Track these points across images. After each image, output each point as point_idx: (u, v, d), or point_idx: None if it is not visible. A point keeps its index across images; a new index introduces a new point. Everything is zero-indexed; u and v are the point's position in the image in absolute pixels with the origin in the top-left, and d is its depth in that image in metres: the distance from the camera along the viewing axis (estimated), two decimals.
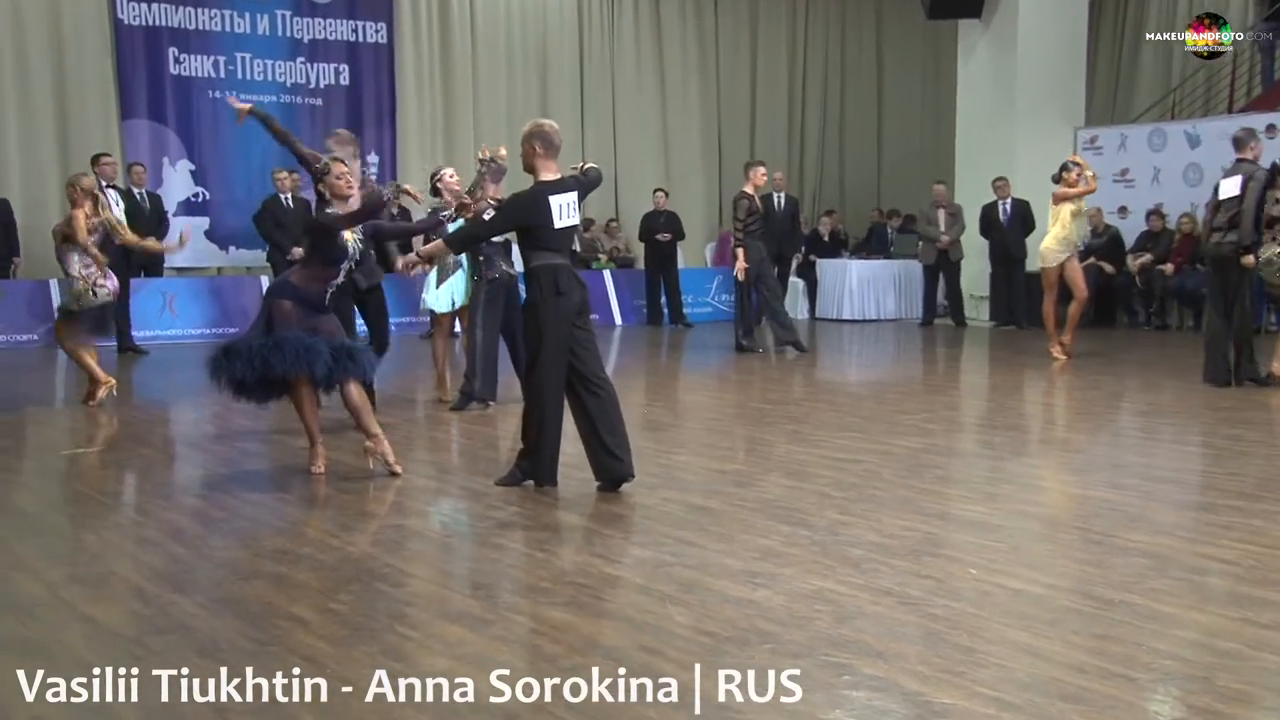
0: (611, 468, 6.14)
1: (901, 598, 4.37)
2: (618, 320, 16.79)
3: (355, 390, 6.54)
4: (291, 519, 5.80)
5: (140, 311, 13.55)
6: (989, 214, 16.05)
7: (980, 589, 4.48)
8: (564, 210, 6.09)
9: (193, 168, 15.37)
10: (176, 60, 15.21)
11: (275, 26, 15.80)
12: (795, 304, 17.69)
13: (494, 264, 8.74)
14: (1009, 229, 15.77)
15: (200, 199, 15.38)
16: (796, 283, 17.72)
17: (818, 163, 20.70)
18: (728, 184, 19.64)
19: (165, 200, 14.87)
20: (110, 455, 7.42)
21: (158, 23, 15.02)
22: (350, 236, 6.56)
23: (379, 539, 5.32)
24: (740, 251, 12.56)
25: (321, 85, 16.16)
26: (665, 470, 6.81)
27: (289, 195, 13.89)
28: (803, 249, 17.39)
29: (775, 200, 16.65)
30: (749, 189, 12.66)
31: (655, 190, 17.09)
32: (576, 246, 15.49)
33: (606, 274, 17.02)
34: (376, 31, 16.49)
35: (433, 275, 9.14)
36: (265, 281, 14.61)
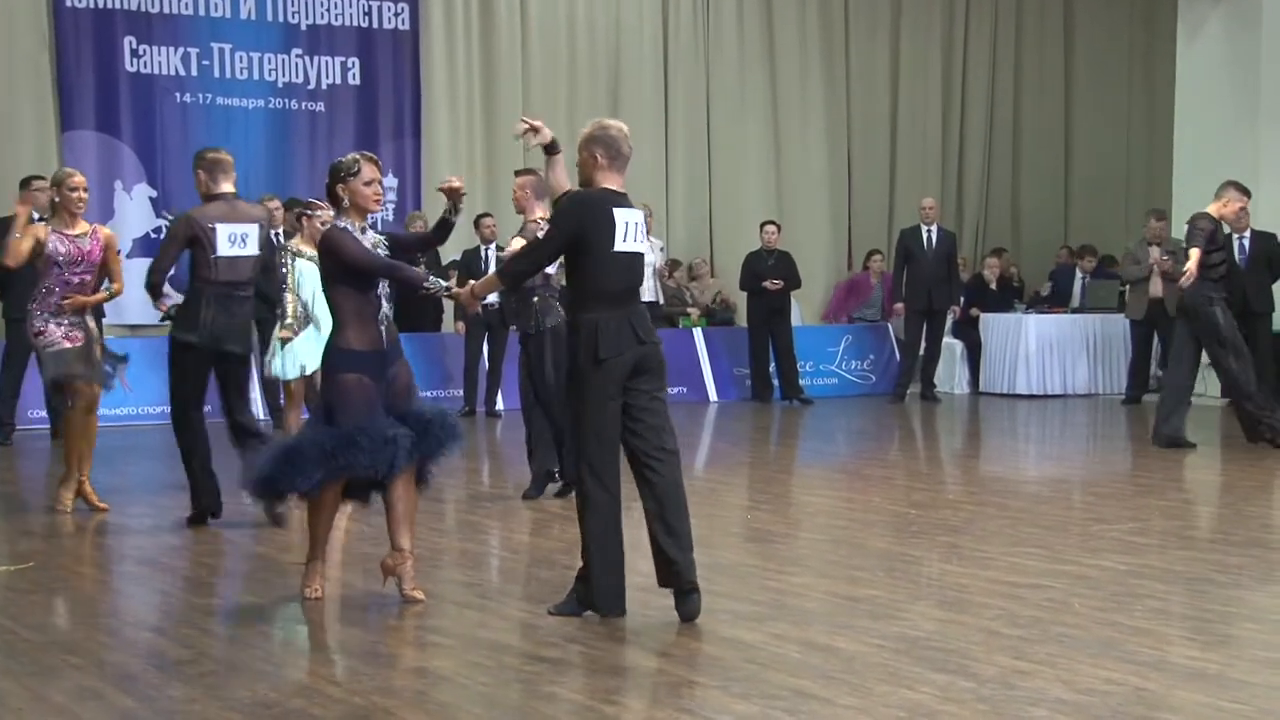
0: (665, 571, 6.22)
1: None
2: (712, 395, 16.79)
3: (404, 485, 6.64)
4: (279, 661, 5.83)
5: None
6: None
7: None
8: (630, 231, 6.23)
9: (154, 194, 15.65)
10: (134, 53, 15.53)
11: (264, 8, 16.09)
12: (952, 372, 17.63)
13: (552, 308, 9.15)
14: (1248, 273, 15.57)
15: (162, 235, 15.62)
16: (953, 344, 17.65)
17: (981, 184, 20.64)
18: (859, 214, 19.66)
19: (119, 236, 15.15)
20: (39, 576, 7.51)
21: (109, 5, 15.39)
22: (373, 238, 6.70)
23: (394, 687, 5.33)
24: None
25: (324, 85, 16.43)
26: (776, 596, 6.77)
27: (280, 231, 14.11)
28: (961, 300, 17.33)
29: (925, 236, 16.67)
30: (1213, 211, 12.16)
31: (763, 224, 17.12)
32: (655, 296, 15.63)
33: (697, 333, 17.06)
34: (396, 14, 16.77)
35: (277, 333, 9.59)
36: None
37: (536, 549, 8.30)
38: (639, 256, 6.31)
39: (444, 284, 6.79)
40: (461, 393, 15.14)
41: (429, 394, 15.13)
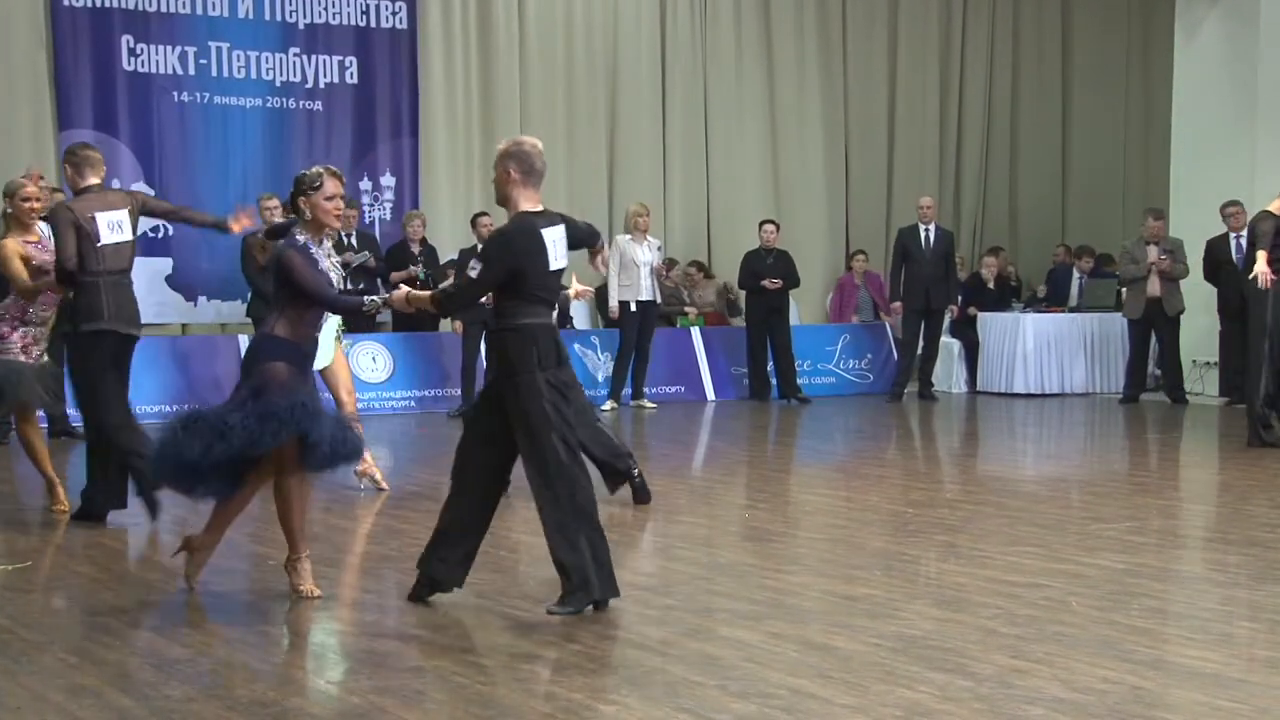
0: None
1: None
2: (710, 394, 16.79)
3: (299, 480, 6.78)
4: (276, 659, 5.83)
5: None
6: (1216, 252, 15.87)
7: None
8: (559, 249, 6.41)
9: (151, 193, 15.62)
10: (132, 52, 15.54)
11: (261, 7, 16.10)
12: (950, 371, 17.64)
13: None
14: (1246, 272, 15.58)
15: (160, 234, 15.64)
16: (951, 344, 17.64)
17: (978, 183, 20.64)
18: (857, 213, 19.65)
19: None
20: (37, 575, 7.52)
21: (107, 3, 15.39)
22: (330, 262, 6.79)
23: (390, 686, 5.33)
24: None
25: (321, 84, 16.43)
26: (774, 595, 6.77)
27: None
28: (959, 299, 17.33)
29: (922, 234, 16.67)
30: (1275, 209, 12.10)
31: (762, 223, 17.12)
32: (653, 295, 15.62)
33: (695, 333, 17.07)
34: (394, 13, 16.77)
35: None
36: (244, 342, 14.82)
37: (534, 548, 8.29)
38: (562, 272, 6.51)
39: (378, 300, 6.99)
40: (459, 391, 15.13)
41: (427, 392, 15.17)
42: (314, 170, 6.72)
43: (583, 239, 6.80)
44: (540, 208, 6.44)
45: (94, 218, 8.59)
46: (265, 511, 9.31)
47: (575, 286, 7.70)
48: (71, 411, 12.50)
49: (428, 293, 6.76)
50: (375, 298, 7.03)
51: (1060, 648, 5.74)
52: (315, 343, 6.79)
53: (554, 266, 6.36)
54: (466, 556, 6.62)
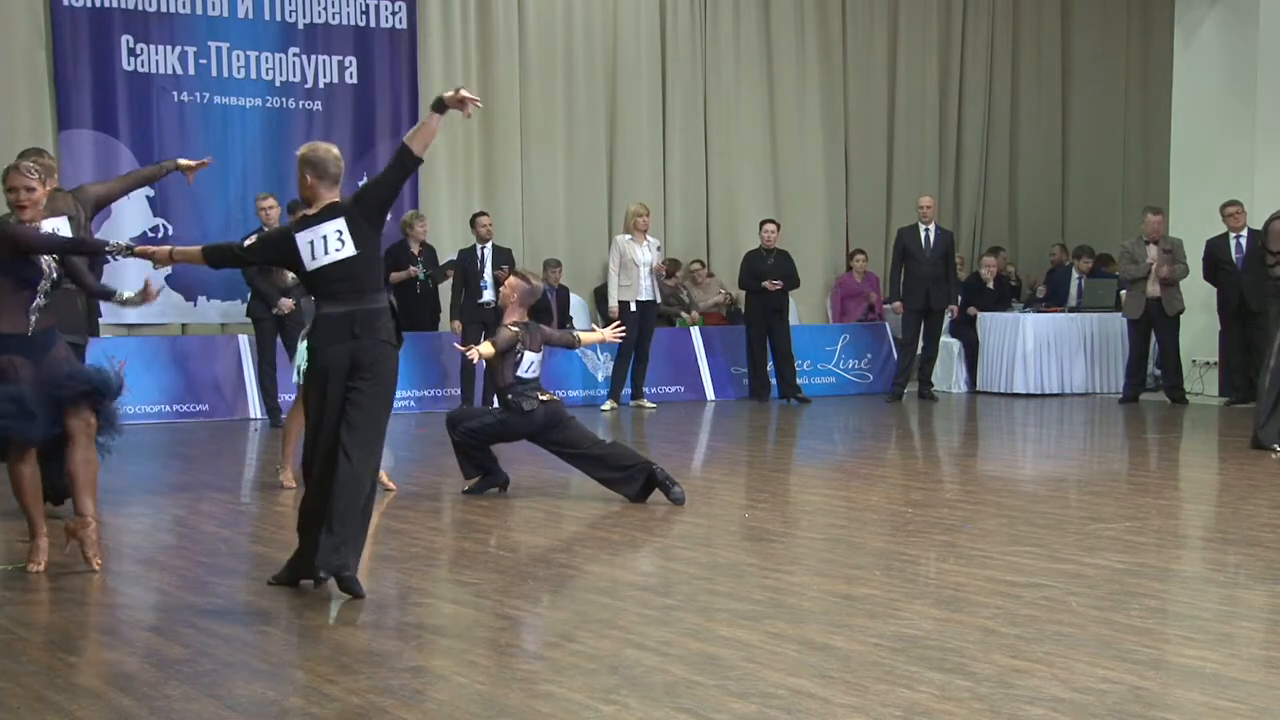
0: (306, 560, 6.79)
1: None
2: (709, 394, 16.80)
3: (81, 450, 7.19)
4: (276, 658, 5.83)
5: None
6: (1217, 251, 15.88)
7: None
8: (320, 246, 6.75)
9: (150, 193, 15.64)
10: (131, 52, 15.55)
11: (261, 7, 16.11)
12: (950, 372, 17.65)
13: (528, 397, 9.56)
14: (1245, 272, 15.58)
15: (160, 235, 15.66)
16: (951, 344, 17.66)
17: (978, 183, 20.67)
18: (857, 213, 19.67)
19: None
20: (36, 575, 7.51)
21: (107, 3, 15.39)
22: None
23: (390, 685, 5.33)
24: None
25: (321, 84, 16.44)
26: (773, 595, 6.77)
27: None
28: (959, 299, 17.34)
29: (922, 235, 16.68)
30: None
31: (763, 223, 17.13)
32: (652, 295, 15.62)
33: (695, 333, 17.07)
34: (394, 14, 16.78)
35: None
36: (244, 342, 14.85)
37: (533, 548, 8.31)
38: (342, 263, 6.75)
39: (123, 244, 7.35)
40: (459, 391, 15.14)
41: (426, 392, 15.18)
42: (7, 166, 7.57)
43: (381, 190, 6.93)
44: (319, 207, 6.79)
45: None
46: (265, 511, 9.35)
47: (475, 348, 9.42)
48: None
49: (197, 248, 7.31)
50: (120, 242, 7.40)
51: (1060, 647, 5.74)
52: (31, 325, 7.13)
53: (312, 265, 6.73)
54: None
